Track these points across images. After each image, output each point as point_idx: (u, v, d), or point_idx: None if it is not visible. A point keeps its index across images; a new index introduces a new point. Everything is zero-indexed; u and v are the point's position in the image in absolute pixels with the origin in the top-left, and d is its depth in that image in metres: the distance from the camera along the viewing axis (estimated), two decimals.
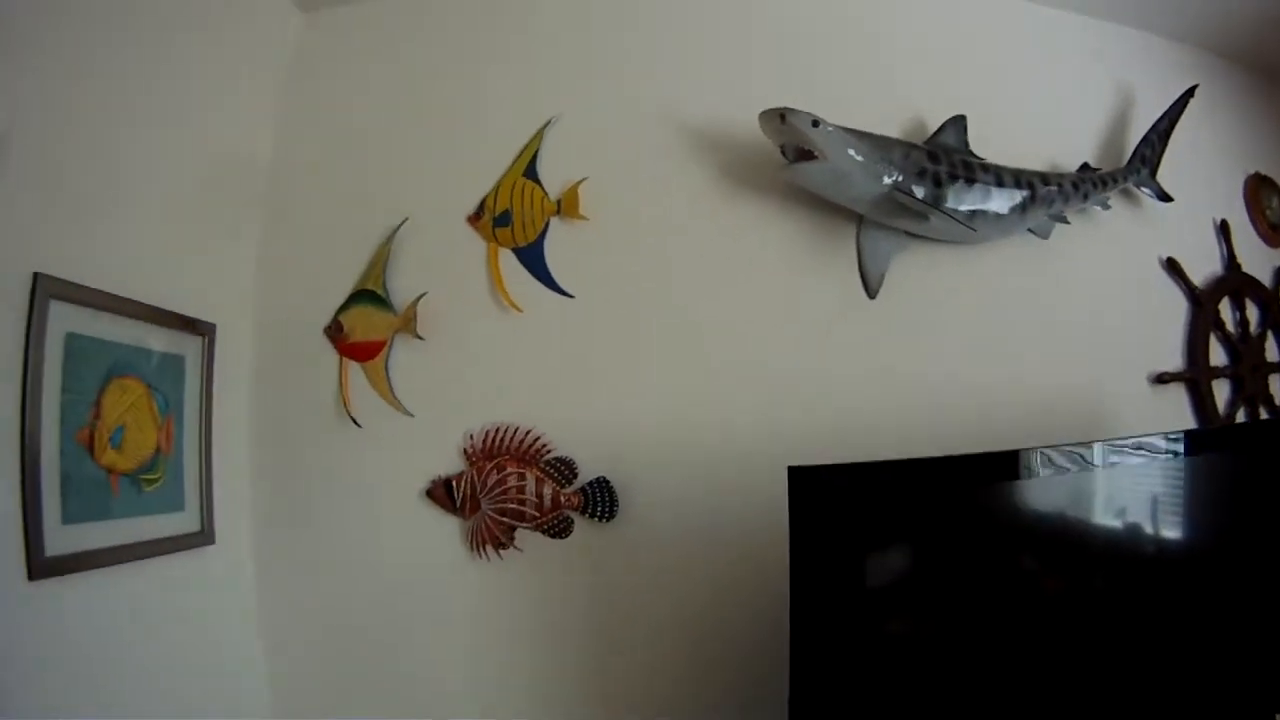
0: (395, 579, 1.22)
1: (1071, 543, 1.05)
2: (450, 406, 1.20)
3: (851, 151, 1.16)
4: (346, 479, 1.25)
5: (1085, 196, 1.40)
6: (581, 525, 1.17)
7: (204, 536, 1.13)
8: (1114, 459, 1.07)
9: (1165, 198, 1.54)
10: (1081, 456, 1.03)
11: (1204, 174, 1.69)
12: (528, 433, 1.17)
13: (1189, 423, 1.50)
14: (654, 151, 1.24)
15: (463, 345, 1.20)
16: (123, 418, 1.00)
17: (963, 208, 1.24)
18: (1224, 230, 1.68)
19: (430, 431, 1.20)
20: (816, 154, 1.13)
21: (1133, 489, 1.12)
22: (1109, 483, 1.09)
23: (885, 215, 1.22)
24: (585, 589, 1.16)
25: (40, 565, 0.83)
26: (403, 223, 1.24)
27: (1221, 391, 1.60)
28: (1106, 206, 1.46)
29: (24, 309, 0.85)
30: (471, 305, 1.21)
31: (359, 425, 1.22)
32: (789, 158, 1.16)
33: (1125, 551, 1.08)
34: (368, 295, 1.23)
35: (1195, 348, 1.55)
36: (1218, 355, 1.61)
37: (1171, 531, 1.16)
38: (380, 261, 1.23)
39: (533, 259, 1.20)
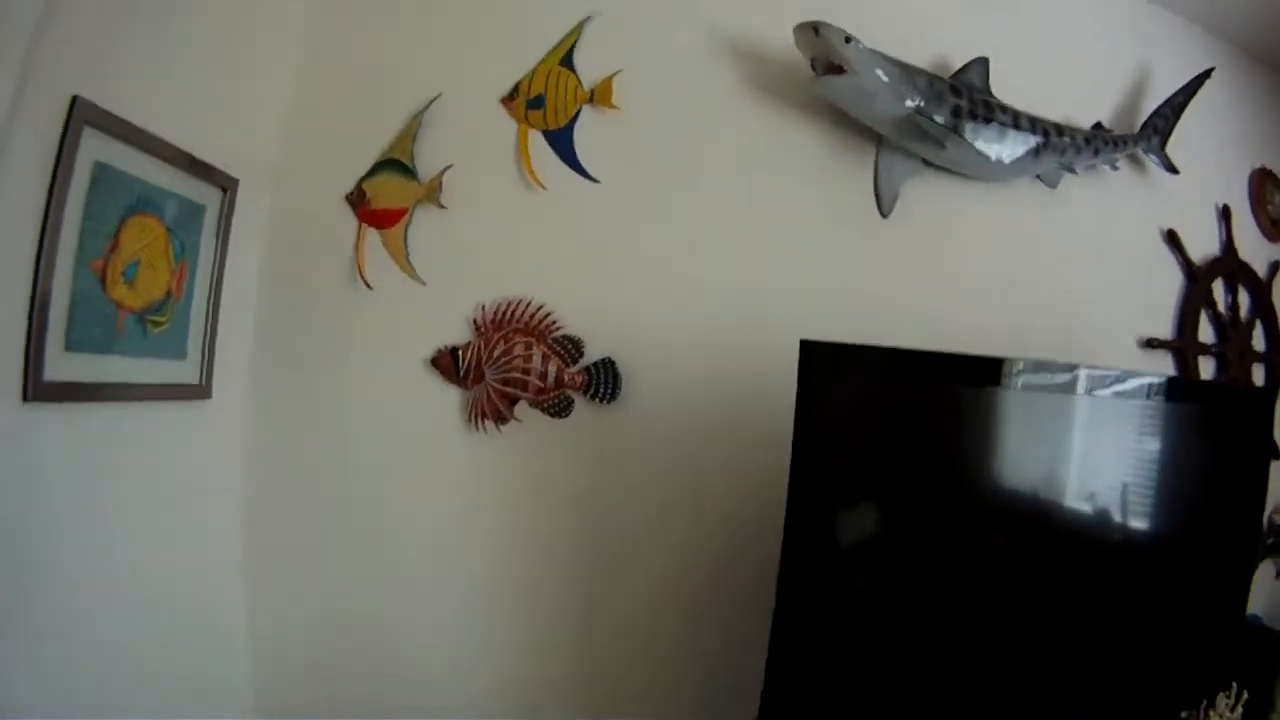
0: (390, 447, 1.23)
1: (1043, 465, 1.10)
2: (464, 277, 1.21)
3: (879, 71, 1.20)
4: (352, 344, 1.25)
5: (1096, 152, 1.44)
6: (582, 406, 1.20)
7: (201, 390, 1.12)
8: (1098, 388, 1.11)
9: (1172, 169, 1.59)
10: (1071, 377, 1.07)
11: (1213, 159, 1.74)
12: (539, 308, 1.19)
13: None
14: (688, 53, 1.27)
15: (483, 218, 1.22)
16: (139, 254, 0.99)
17: (978, 143, 1.29)
18: (1225, 215, 1.73)
19: (442, 301, 1.21)
20: (846, 69, 1.16)
21: (1110, 422, 1.16)
22: (1089, 409, 1.13)
23: (905, 138, 1.26)
24: (581, 468, 1.19)
25: (38, 388, 0.82)
26: (436, 98, 1.26)
27: (1206, 368, 1.65)
28: (1115, 167, 1.51)
29: (58, 130, 0.84)
30: (497, 181, 1.22)
31: (370, 288, 1.23)
32: (818, 71, 1.20)
33: (1088, 470, 1.13)
34: (394, 164, 1.25)
35: (1186, 320, 1.61)
36: (1206, 334, 1.67)
37: (1135, 471, 1.20)
38: (411, 133, 1.25)
39: (562, 142, 1.23)
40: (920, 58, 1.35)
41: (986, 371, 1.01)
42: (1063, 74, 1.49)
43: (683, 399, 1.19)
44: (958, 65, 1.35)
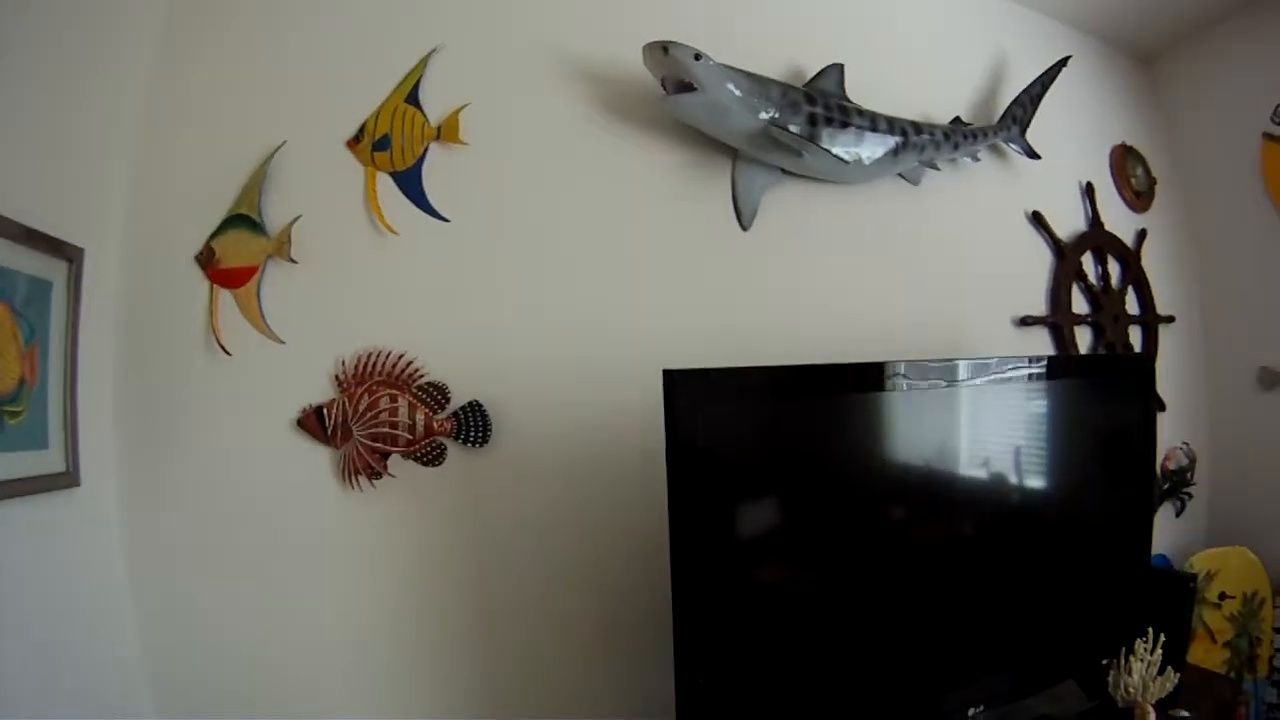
0: (267, 513, 1.18)
1: (930, 452, 1.13)
2: (323, 332, 1.16)
3: (730, 85, 1.20)
4: (216, 412, 1.19)
5: (956, 146, 1.49)
6: (455, 452, 1.16)
7: (69, 478, 1.05)
8: (976, 377, 1.14)
9: (1034, 155, 1.66)
10: (947, 372, 1.11)
11: (1074, 141, 1.83)
12: (400, 357, 1.15)
13: None
14: (535, 82, 1.24)
15: (337, 269, 1.17)
16: None
17: (836, 148, 1.31)
18: (1089, 191, 1.82)
19: (302, 359, 1.16)
20: (696, 86, 1.16)
21: (993, 405, 1.20)
22: (971, 400, 1.16)
23: (761, 150, 1.27)
24: (459, 515, 1.16)
25: None
26: (280, 146, 1.20)
27: (1083, 338, 1.74)
28: (976, 159, 1.56)
29: None
30: (347, 229, 1.17)
31: (228, 354, 1.17)
32: (669, 90, 1.19)
33: (976, 461, 1.17)
34: (242, 219, 1.18)
35: (1058, 295, 1.68)
36: (1080, 305, 1.75)
37: (1024, 449, 1.25)
38: (256, 185, 1.18)
39: (410, 183, 1.18)
40: (774, 69, 1.37)
41: (845, 378, 1.03)
42: (918, 73, 1.53)
43: (554, 434, 1.16)
44: (812, 73, 1.38)
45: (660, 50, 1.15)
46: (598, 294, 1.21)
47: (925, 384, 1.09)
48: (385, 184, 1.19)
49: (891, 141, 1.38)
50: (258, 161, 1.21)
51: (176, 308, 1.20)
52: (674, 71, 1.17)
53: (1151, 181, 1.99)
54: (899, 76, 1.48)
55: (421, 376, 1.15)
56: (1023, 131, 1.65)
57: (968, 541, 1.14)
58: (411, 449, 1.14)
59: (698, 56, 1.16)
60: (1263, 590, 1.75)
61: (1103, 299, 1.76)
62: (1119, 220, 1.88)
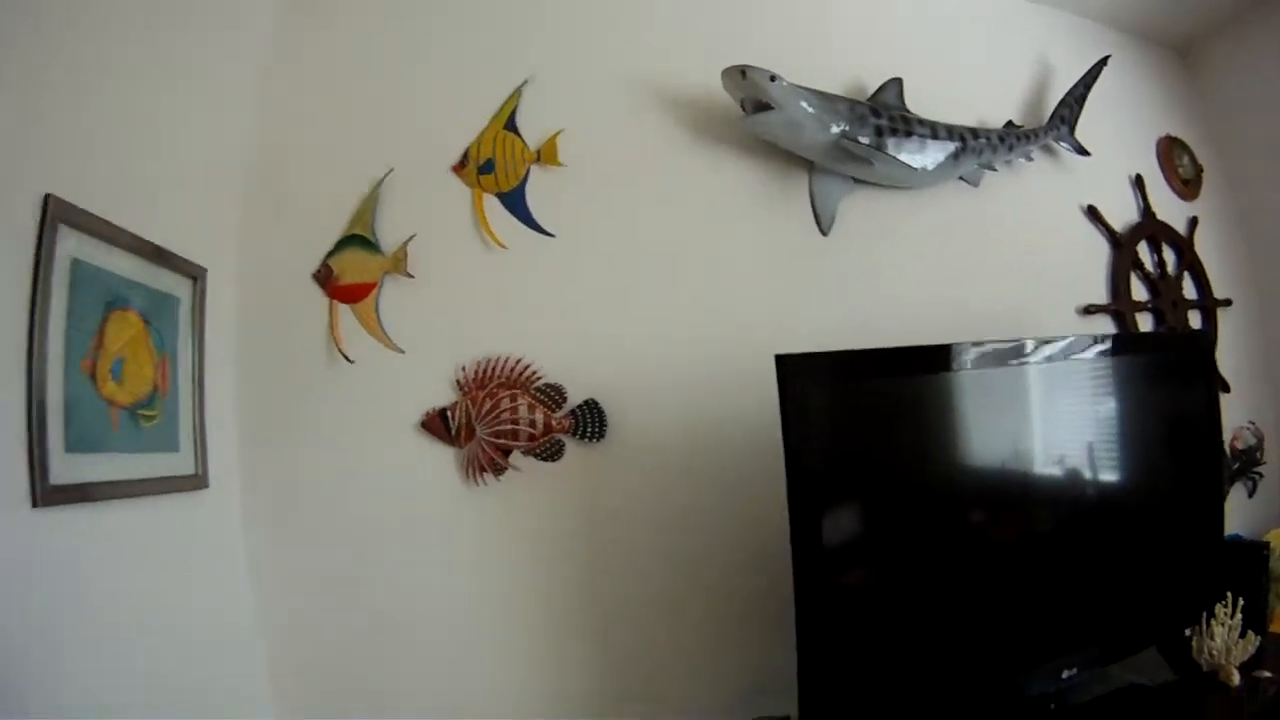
0: (389, 510, 1.25)
1: (1018, 431, 1.19)
2: (441, 341, 1.26)
3: (804, 103, 1.30)
4: (339, 418, 1.27)
5: (1010, 148, 1.56)
6: (573, 447, 1.25)
7: (198, 480, 1.13)
8: (1047, 353, 1.20)
9: (1083, 152, 1.72)
10: (1026, 351, 1.17)
11: (1120, 135, 1.88)
12: (518, 361, 1.25)
13: None
14: (623, 107, 1.36)
15: (451, 283, 1.28)
16: (122, 350, 0.99)
17: (902, 156, 1.39)
18: (1139, 183, 1.87)
19: (422, 366, 1.26)
20: (773, 106, 1.26)
21: (1071, 386, 1.25)
22: (1048, 380, 1.22)
23: (834, 161, 1.36)
24: (581, 503, 1.24)
25: (46, 493, 0.81)
26: (389, 173, 1.32)
27: (1145, 324, 1.78)
28: (1030, 159, 1.64)
29: (33, 230, 0.83)
30: (458, 246, 1.28)
31: (350, 361, 1.27)
32: (748, 110, 1.29)
33: (1060, 445, 1.22)
34: (357, 240, 1.29)
35: (1118, 283, 1.73)
36: (1139, 292, 1.79)
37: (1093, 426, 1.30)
38: (369, 208, 1.30)
39: (515, 202, 1.30)
40: (838, 85, 1.46)
41: (943, 358, 1.10)
42: (970, 82, 1.62)
43: (665, 429, 1.25)
44: (873, 88, 1.47)
45: (738, 74, 1.25)
46: (697, 297, 1.30)
47: (1013, 361, 1.15)
48: (492, 204, 1.31)
49: (951, 147, 1.46)
50: (367, 187, 1.32)
51: (296, 322, 1.30)
52: (752, 93, 1.27)
53: (1198, 169, 2.03)
54: (953, 87, 1.57)
55: (539, 379, 1.25)
56: (1071, 130, 1.72)
57: (1059, 521, 1.20)
58: (533, 445, 1.24)
59: (773, 78, 1.25)
60: None
61: (1160, 286, 1.80)
62: (1170, 209, 1.92)
